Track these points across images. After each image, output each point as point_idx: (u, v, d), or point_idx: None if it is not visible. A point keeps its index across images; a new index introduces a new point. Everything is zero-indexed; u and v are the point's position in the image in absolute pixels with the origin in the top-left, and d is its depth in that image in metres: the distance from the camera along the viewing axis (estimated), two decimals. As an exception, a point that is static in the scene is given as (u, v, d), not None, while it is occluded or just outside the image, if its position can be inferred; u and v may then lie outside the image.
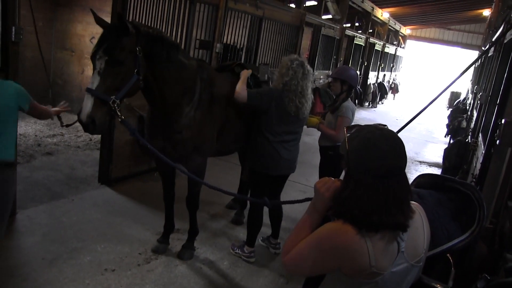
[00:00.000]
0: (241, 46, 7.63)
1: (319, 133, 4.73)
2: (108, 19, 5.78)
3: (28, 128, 7.45)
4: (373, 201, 1.53)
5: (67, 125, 3.52)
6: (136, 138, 3.30)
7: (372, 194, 1.54)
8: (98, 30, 8.86)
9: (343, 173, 1.66)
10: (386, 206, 1.53)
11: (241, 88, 3.80)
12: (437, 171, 8.84)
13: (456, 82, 3.86)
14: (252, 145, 4.05)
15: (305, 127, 4.27)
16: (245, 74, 3.99)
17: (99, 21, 3.16)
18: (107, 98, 2.98)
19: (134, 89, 3.22)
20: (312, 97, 4.02)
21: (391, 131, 1.64)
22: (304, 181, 5.92)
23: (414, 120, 3.76)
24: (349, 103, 4.46)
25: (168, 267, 3.98)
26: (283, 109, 3.80)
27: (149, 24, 5.47)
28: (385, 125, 1.71)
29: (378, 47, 17.83)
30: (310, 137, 9.15)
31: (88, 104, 2.95)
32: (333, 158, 4.47)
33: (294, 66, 3.80)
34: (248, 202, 4.36)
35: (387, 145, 1.56)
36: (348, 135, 1.69)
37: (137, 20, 5.30)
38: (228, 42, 7.23)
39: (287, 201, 3.83)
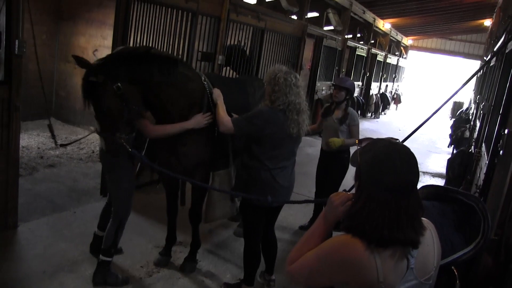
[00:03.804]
0: (245, 48, 7.62)
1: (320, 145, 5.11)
2: (110, 31, 5.84)
3: (31, 140, 7.46)
4: (384, 216, 1.51)
5: (62, 145, 3.72)
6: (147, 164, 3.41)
7: (383, 208, 1.52)
8: (101, 43, 8.90)
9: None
10: (397, 221, 1.51)
11: (224, 119, 3.43)
12: (440, 181, 8.80)
13: (458, 92, 3.86)
14: (245, 175, 3.51)
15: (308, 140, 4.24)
16: (220, 96, 3.63)
17: (81, 64, 3.09)
18: (111, 137, 3.23)
19: (135, 117, 3.34)
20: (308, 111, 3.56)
21: (405, 146, 1.63)
22: (306, 193, 5.89)
23: (417, 130, 3.75)
24: (352, 110, 4.99)
25: (170, 280, 3.95)
26: (283, 131, 3.32)
27: (151, 36, 5.50)
28: (397, 139, 1.70)
29: (380, 57, 17.87)
30: (313, 148, 9.15)
31: (102, 142, 3.40)
32: (347, 160, 4.93)
33: (294, 81, 3.35)
34: (243, 237, 3.79)
35: (400, 159, 1.55)
36: (360, 148, 1.68)
37: (139, 32, 5.33)
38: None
39: (289, 200, 3.72)
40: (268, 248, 3.86)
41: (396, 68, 22.45)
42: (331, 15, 12.07)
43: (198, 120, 3.58)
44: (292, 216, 5.63)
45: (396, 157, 1.55)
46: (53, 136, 3.77)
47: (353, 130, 4.88)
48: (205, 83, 3.72)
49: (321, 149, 5.21)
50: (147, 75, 3.27)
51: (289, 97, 3.31)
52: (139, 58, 3.24)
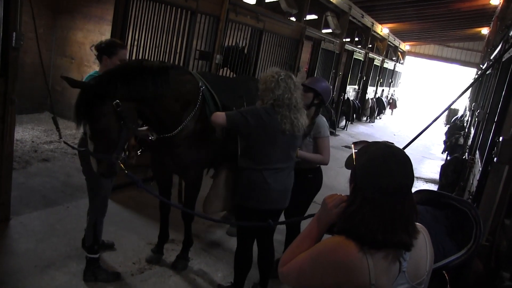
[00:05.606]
0: (243, 47, 7.63)
1: None
2: (108, 27, 5.84)
3: (25, 134, 7.42)
4: (379, 219, 1.51)
5: (66, 142, 3.96)
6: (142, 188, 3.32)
7: (378, 211, 1.52)
8: (98, 38, 8.90)
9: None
10: (392, 224, 1.51)
11: (217, 113, 3.37)
12: (433, 187, 8.83)
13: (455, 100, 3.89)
14: (238, 177, 3.43)
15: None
16: None
17: (74, 84, 3.09)
18: (108, 159, 3.10)
19: (130, 136, 3.29)
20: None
21: (400, 149, 1.64)
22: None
23: (411, 136, 3.77)
24: (321, 119, 3.97)
25: (162, 277, 3.95)
26: (275, 128, 3.21)
27: (149, 34, 5.50)
28: (393, 143, 1.71)
29: (377, 62, 17.92)
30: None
31: (94, 163, 3.15)
32: (311, 182, 4.02)
33: (283, 77, 3.27)
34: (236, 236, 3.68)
35: (396, 162, 1.55)
36: (355, 151, 1.68)
37: (138, 29, 5.33)
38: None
39: (291, 219, 3.67)
40: (263, 257, 3.68)
41: (392, 73, 22.52)
42: (330, 18, 12.08)
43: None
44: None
45: (392, 160, 1.56)
46: (58, 129, 3.81)
47: (318, 143, 3.85)
48: (200, 82, 3.72)
49: None
50: (142, 90, 3.20)
51: (275, 91, 3.23)
52: (132, 74, 3.17)
